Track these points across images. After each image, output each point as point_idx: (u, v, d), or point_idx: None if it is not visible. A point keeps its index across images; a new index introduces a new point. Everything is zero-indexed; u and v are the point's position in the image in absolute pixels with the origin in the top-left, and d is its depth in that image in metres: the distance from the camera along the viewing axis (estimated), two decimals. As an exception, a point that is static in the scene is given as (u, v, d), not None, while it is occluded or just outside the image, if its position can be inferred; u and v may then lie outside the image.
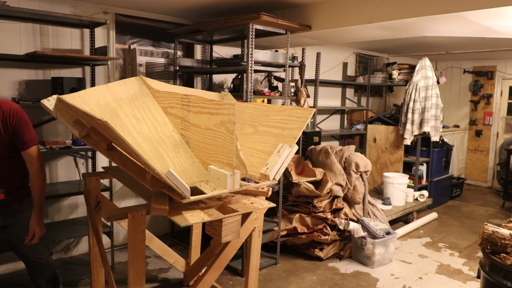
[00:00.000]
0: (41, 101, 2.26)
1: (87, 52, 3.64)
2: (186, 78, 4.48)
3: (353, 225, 3.80)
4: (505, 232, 2.14)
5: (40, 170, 2.32)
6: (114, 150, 2.16)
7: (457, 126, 7.28)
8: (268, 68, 3.76)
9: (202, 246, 3.32)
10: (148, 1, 3.52)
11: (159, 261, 3.75)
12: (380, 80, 6.04)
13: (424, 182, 5.79)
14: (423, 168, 5.77)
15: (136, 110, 2.33)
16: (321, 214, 3.84)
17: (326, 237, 3.75)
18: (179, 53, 4.42)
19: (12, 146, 2.27)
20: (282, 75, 4.30)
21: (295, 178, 3.86)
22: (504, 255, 2.06)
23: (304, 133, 4.37)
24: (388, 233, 3.87)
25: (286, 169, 3.78)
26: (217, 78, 4.62)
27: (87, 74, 3.67)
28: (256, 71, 3.63)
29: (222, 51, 4.63)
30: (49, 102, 2.25)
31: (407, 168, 5.69)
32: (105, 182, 3.57)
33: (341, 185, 3.95)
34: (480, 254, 2.71)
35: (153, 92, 2.50)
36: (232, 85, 4.26)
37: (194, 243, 3.29)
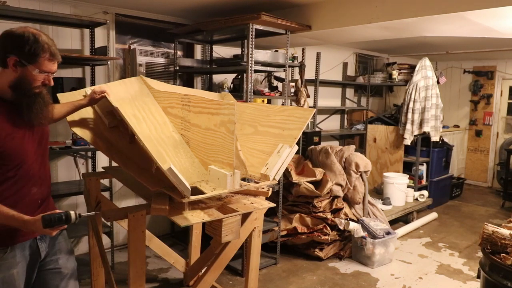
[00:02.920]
0: (85, 89, 2.36)
1: (87, 52, 3.64)
2: (186, 78, 4.48)
3: (353, 225, 3.80)
4: (505, 232, 2.14)
5: None
6: (135, 144, 2.18)
7: (457, 126, 7.27)
8: (268, 68, 3.76)
9: (202, 246, 3.32)
10: (148, 1, 3.52)
11: (159, 261, 3.75)
12: (380, 80, 6.04)
13: (424, 182, 5.78)
14: (423, 168, 5.77)
15: (136, 110, 2.32)
16: (321, 214, 3.84)
17: (326, 237, 3.75)
18: (179, 53, 4.42)
19: None
20: (282, 75, 4.30)
21: (295, 178, 3.86)
22: (504, 255, 2.06)
23: (304, 133, 4.37)
24: (388, 233, 3.87)
25: (286, 169, 3.78)
26: (217, 78, 4.62)
27: (87, 74, 3.67)
28: (256, 71, 3.63)
29: (222, 51, 4.63)
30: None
31: (407, 168, 5.69)
32: (105, 182, 3.57)
33: (341, 185, 3.94)
34: (480, 254, 2.71)
35: (153, 92, 2.50)
36: (232, 85, 4.26)
37: (194, 243, 3.29)
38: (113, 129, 2.31)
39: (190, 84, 4.47)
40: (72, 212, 1.57)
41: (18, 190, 1.66)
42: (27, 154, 1.67)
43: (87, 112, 2.31)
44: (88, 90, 2.29)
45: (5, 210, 1.54)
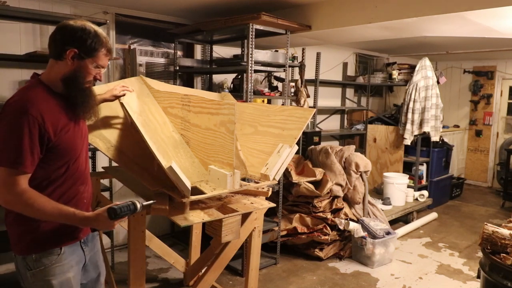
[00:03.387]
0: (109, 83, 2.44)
1: (87, 52, 3.64)
2: (186, 78, 4.48)
3: (353, 225, 3.80)
4: (505, 232, 2.14)
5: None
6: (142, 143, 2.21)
7: (457, 126, 7.27)
8: (268, 68, 3.76)
9: (202, 246, 3.32)
10: (148, 1, 3.52)
11: (159, 261, 3.75)
12: (380, 80, 6.04)
13: (424, 182, 5.78)
14: (423, 168, 5.77)
15: (136, 110, 2.33)
16: (321, 214, 3.84)
17: (326, 237, 3.75)
18: (179, 53, 4.42)
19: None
20: (282, 75, 4.30)
21: (295, 178, 3.86)
22: (504, 255, 2.06)
23: (304, 133, 4.37)
24: (388, 233, 3.87)
25: (286, 169, 3.78)
26: (217, 78, 4.62)
27: (87, 74, 3.67)
28: (256, 71, 3.63)
29: (222, 51, 4.63)
30: None
31: (407, 168, 5.68)
32: (105, 182, 3.56)
33: (341, 185, 3.94)
34: (480, 254, 2.71)
35: (153, 92, 2.51)
36: (232, 85, 4.26)
37: (194, 243, 3.29)
38: (113, 129, 2.31)
39: (190, 84, 4.47)
40: (136, 201, 1.49)
41: (68, 189, 1.59)
42: (77, 149, 1.61)
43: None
44: (112, 84, 2.31)
45: (64, 208, 1.46)
